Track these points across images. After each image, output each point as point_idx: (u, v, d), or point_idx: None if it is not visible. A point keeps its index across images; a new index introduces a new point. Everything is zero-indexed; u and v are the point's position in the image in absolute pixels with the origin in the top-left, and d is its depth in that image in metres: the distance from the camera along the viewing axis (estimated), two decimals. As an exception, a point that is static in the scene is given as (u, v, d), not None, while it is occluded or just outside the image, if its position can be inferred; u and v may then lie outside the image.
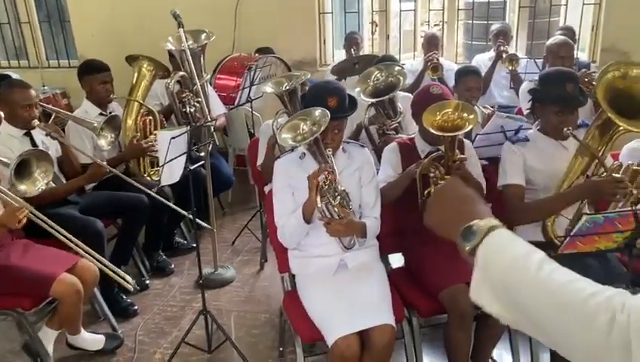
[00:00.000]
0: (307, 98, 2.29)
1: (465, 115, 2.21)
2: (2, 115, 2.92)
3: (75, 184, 2.96)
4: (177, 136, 2.27)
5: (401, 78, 3.03)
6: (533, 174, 2.40)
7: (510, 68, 4.11)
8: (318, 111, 2.10)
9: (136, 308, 3.13)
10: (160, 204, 2.86)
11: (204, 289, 2.78)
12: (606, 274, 2.10)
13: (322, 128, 2.05)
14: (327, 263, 2.27)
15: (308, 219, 2.19)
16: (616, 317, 0.70)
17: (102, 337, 2.80)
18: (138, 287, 3.04)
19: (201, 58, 3.53)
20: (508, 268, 0.83)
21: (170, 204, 2.48)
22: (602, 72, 1.97)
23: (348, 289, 2.18)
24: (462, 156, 2.27)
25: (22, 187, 2.49)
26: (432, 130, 2.20)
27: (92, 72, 3.33)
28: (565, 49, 3.49)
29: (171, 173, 2.36)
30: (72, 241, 2.56)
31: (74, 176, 3.05)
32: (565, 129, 2.26)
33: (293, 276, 2.41)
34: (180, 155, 2.35)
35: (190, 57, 3.17)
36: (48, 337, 2.65)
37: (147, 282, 3.40)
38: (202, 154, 3.27)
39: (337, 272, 2.27)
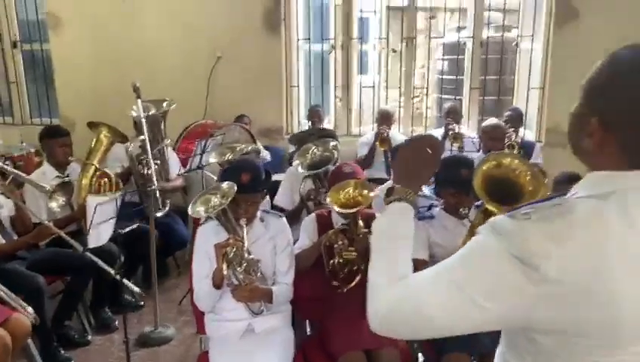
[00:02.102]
0: (224, 173, 2.52)
1: (365, 192, 2.43)
2: None
3: (20, 242, 3.14)
4: (104, 203, 2.49)
5: (336, 153, 3.28)
6: (436, 249, 2.59)
7: (455, 145, 4.39)
8: (225, 185, 2.32)
9: (72, 363, 3.23)
10: (109, 261, 2.99)
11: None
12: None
13: (229, 200, 2.26)
14: (236, 327, 2.42)
15: (217, 285, 2.35)
16: None
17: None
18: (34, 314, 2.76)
19: (162, 124, 3.84)
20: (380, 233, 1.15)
21: (101, 264, 2.62)
22: (479, 164, 2.19)
23: (251, 355, 2.32)
24: (365, 230, 2.47)
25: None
26: (335, 207, 2.41)
27: (53, 136, 3.60)
28: (496, 132, 3.78)
29: (98, 236, 2.56)
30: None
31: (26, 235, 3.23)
32: (461, 209, 2.49)
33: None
34: (107, 220, 2.56)
35: (145, 126, 3.45)
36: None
37: (89, 338, 3.50)
38: (159, 214, 3.49)
39: (244, 336, 2.41)
